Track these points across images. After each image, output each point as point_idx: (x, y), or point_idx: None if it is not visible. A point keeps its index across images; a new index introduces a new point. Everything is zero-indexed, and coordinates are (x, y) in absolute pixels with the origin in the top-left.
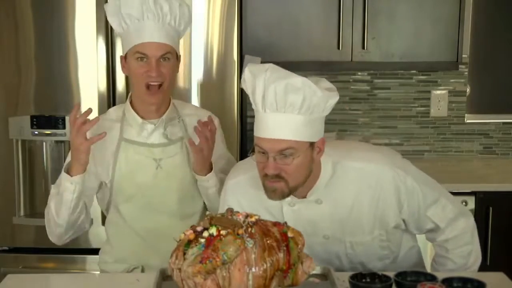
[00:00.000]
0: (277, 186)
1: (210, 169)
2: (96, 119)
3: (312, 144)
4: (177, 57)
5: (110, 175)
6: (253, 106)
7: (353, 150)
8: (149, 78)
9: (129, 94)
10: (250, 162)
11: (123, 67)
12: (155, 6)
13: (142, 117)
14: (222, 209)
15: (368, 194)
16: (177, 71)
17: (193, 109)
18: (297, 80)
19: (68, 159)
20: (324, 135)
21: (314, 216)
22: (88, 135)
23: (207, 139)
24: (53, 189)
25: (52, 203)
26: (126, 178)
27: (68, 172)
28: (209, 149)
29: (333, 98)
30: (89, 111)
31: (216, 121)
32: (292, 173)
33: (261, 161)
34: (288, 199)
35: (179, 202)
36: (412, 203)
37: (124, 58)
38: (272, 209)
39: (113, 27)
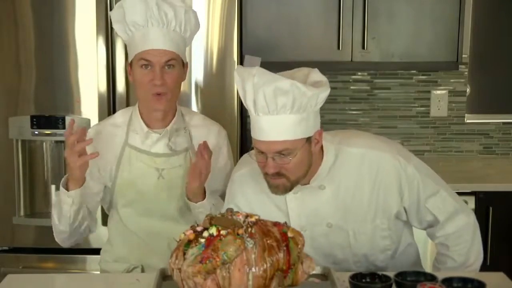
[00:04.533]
0: (278, 182)
1: (204, 196)
2: (90, 140)
3: (309, 139)
4: (184, 65)
5: (112, 179)
6: (246, 108)
7: (354, 137)
8: (154, 88)
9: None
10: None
11: (129, 74)
12: (159, 12)
13: (148, 126)
14: (228, 201)
15: (370, 180)
16: (184, 78)
17: (201, 120)
18: (285, 83)
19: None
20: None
21: (317, 202)
22: (90, 148)
23: (206, 163)
24: (54, 197)
25: (54, 211)
26: (128, 184)
27: (66, 185)
28: (207, 173)
29: (324, 92)
30: (84, 129)
31: (222, 135)
32: (292, 170)
33: (261, 161)
34: None
35: (179, 211)
36: (412, 191)
37: (130, 65)
38: (276, 198)
39: (119, 34)
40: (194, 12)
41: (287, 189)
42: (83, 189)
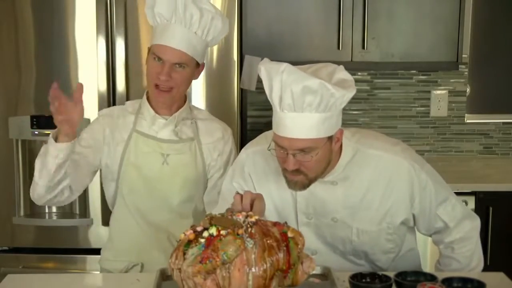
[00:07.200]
0: (297, 179)
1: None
2: (54, 91)
3: (330, 137)
4: (197, 65)
5: (118, 164)
6: (271, 103)
7: (373, 139)
8: (158, 80)
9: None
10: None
11: (146, 59)
12: (184, 12)
13: (155, 112)
14: (237, 166)
15: (382, 183)
16: (196, 77)
17: (208, 115)
18: (313, 82)
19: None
20: None
21: (327, 197)
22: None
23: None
24: (42, 147)
25: (37, 162)
26: (133, 168)
27: (57, 138)
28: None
29: (350, 93)
30: (80, 86)
31: (228, 132)
32: (311, 168)
33: (281, 156)
34: None
35: (181, 202)
36: (424, 198)
37: (148, 50)
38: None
39: (148, 19)
40: (225, 19)
41: (305, 186)
42: (72, 147)
